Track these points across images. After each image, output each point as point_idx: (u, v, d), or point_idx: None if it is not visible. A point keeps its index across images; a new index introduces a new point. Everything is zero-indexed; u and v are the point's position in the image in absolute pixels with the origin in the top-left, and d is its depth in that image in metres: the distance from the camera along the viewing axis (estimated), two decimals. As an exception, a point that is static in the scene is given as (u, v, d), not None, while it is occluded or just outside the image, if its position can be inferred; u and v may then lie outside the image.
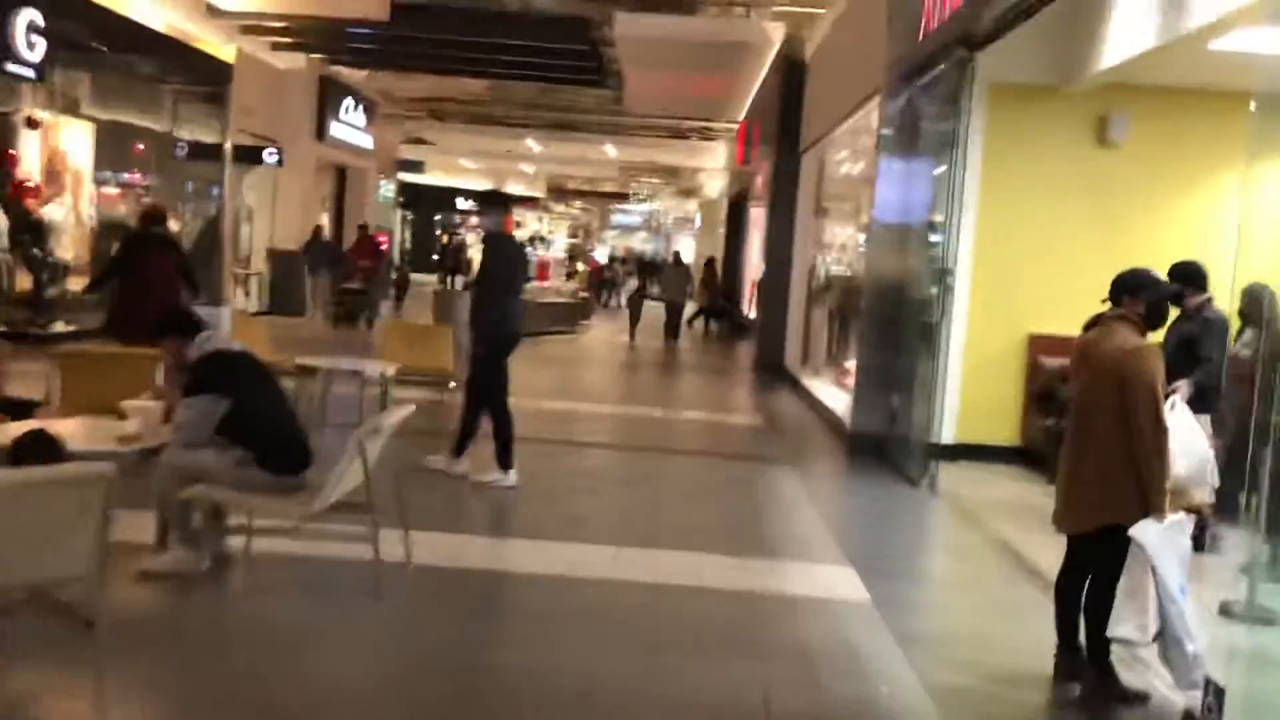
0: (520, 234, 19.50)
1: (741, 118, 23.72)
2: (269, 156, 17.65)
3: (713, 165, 38.38)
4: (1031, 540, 6.28)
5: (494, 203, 7.89)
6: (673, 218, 53.52)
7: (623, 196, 54.87)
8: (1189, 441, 4.55)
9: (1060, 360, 9.20)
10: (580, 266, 24.48)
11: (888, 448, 9.28)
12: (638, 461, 8.67)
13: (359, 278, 17.61)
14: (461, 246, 24.03)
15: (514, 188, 43.76)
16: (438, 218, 44.23)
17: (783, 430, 10.81)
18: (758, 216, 26.71)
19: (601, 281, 28.04)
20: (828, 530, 6.67)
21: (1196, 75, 8.56)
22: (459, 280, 23.46)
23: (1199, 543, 4.80)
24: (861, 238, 15.32)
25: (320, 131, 20.23)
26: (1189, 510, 4.41)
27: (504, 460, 7.17)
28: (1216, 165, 9.15)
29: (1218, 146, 9.07)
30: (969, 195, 8.74)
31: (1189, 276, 6.07)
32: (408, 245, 45.34)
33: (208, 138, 17.39)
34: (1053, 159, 9.41)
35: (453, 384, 9.67)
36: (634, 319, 19.75)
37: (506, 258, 7.45)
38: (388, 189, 38.51)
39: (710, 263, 24.49)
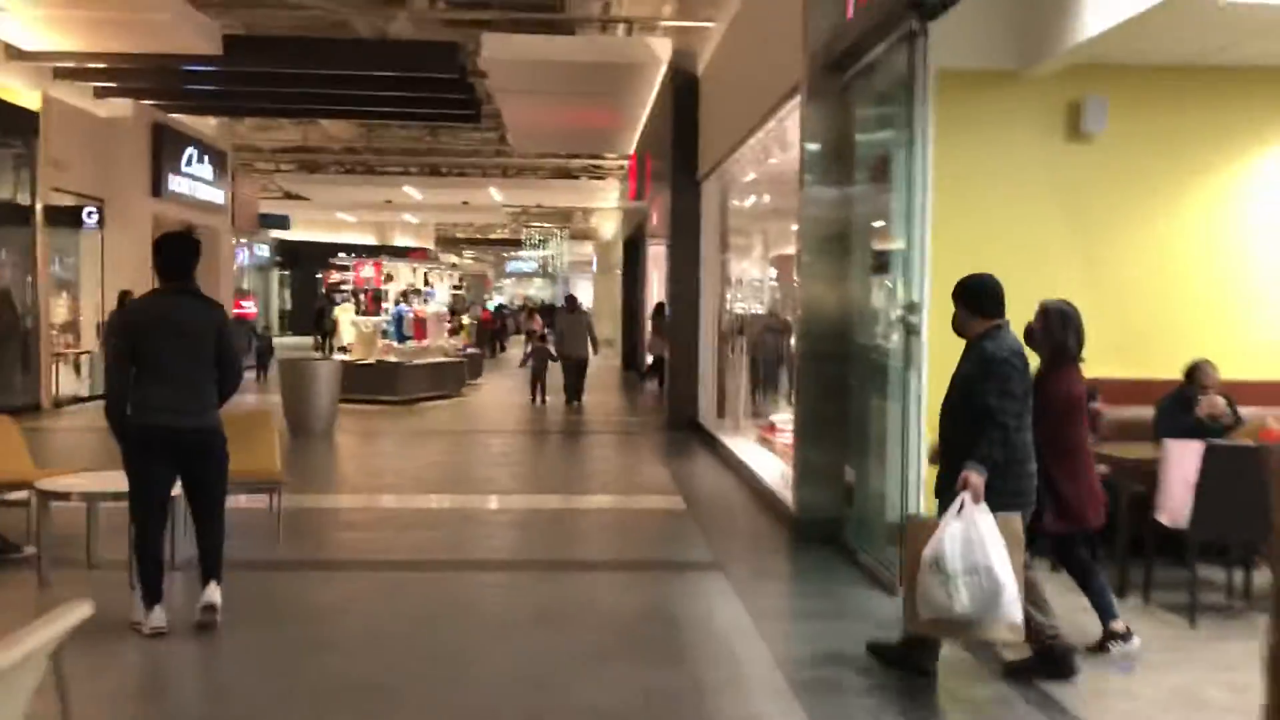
0: (392, 287, 17.09)
1: (632, 150, 21.88)
2: (88, 218, 15.04)
3: (605, 205, 36.50)
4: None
5: (164, 249, 5.45)
6: (569, 261, 51.47)
7: (516, 243, 52.80)
8: (969, 555, 4.23)
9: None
10: (466, 320, 22.01)
11: (846, 534, 7.23)
12: (524, 590, 6.41)
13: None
14: (325, 308, 21.34)
15: (400, 240, 41.28)
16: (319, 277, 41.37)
17: (709, 514, 8.68)
18: (657, 254, 24.86)
19: (495, 332, 25.45)
20: (788, 691, 4.54)
21: (1198, 44, 6.79)
22: (331, 345, 20.92)
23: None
24: (774, 272, 13.62)
25: (156, 187, 17.65)
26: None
27: (147, 592, 5.18)
28: (1221, 156, 7.41)
29: (1222, 133, 7.34)
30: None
31: (973, 294, 4.70)
32: (287, 307, 42.47)
33: (17, 198, 14.73)
34: (1016, 158, 7.54)
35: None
36: (536, 376, 16.69)
37: (128, 324, 5.38)
38: (261, 249, 35.91)
39: (660, 309, 21.95)
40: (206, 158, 19.66)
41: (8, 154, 14.58)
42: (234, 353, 5.50)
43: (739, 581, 6.37)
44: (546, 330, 20.73)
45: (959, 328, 4.73)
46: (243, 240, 25.57)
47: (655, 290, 24.33)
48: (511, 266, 59.33)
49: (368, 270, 17.15)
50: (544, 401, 16.49)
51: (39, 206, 14.63)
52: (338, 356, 16.94)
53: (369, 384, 16.20)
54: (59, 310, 17.03)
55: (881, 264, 7.01)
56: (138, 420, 5.12)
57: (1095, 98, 7.36)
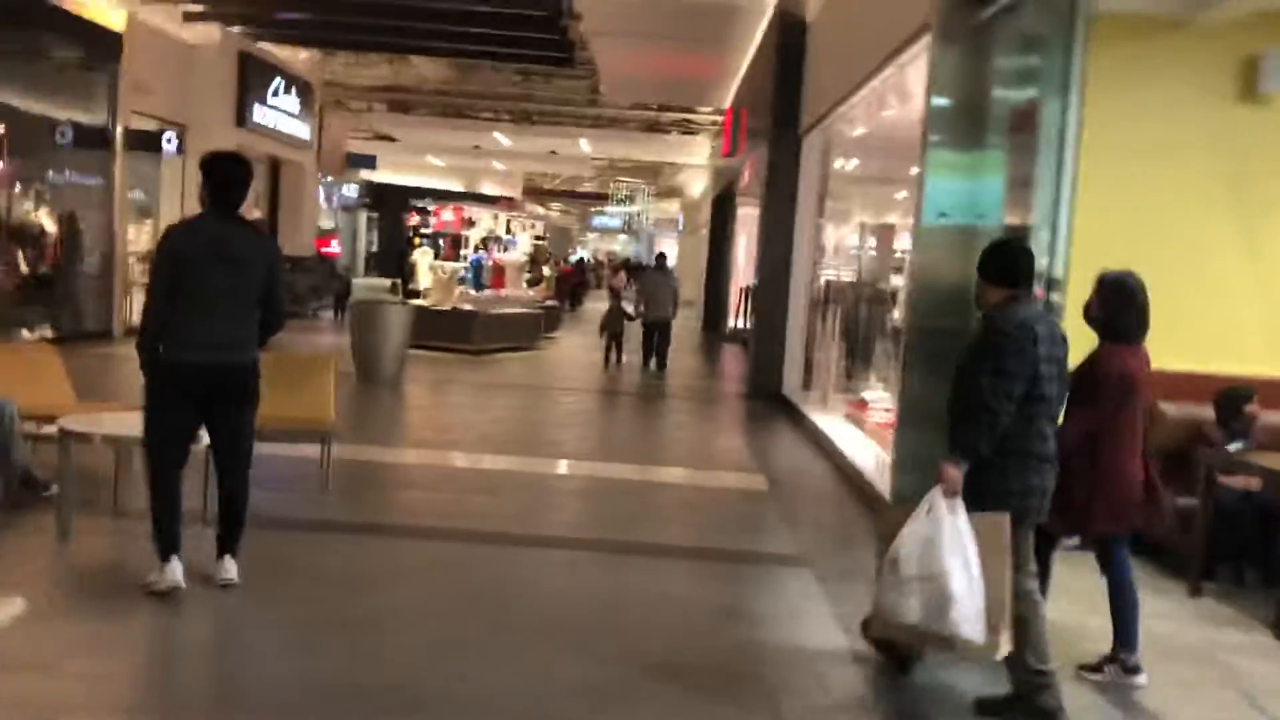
0: (473, 233, 16.49)
1: (728, 104, 20.93)
2: (167, 143, 14.66)
3: (695, 161, 35.51)
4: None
5: (214, 172, 4.75)
6: (654, 219, 50.59)
7: (602, 198, 52.07)
8: (926, 559, 3.76)
9: (1192, 407, 6.41)
10: (546, 271, 21.39)
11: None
12: (586, 574, 5.73)
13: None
14: (405, 251, 20.89)
15: (488, 188, 40.80)
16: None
17: (793, 498, 7.93)
18: (748, 216, 23.91)
19: (575, 286, 24.64)
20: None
21: None
22: (408, 289, 20.52)
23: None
24: (873, 240, 12.67)
25: (241, 117, 17.27)
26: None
27: (161, 542, 4.65)
28: None
29: None
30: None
31: (992, 259, 4.16)
32: (374, 249, 42.31)
33: (98, 121, 14.42)
34: (1175, 120, 6.58)
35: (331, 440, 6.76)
36: (612, 337, 15.46)
37: (175, 252, 4.68)
38: (349, 189, 35.62)
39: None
40: (294, 90, 19.24)
41: (90, 75, 14.24)
42: (281, 291, 4.87)
43: (827, 582, 5.62)
44: (627, 287, 20.03)
45: (977, 298, 4.18)
46: (328, 179, 25.22)
47: (742, 253, 23.47)
48: (596, 221, 58.65)
49: (448, 214, 16.57)
50: (620, 363, 15.52)
51: (119, 130, 14.29)
52: (415, 301, 16.44)
53: (443, 331, 15.68)
54: (138, 237, 16.81)
55: (1015, 235, 6.12)
56: (172, 356, 4.57)
57: (1278, 51, 6.35)
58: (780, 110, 13.03)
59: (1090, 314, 4.54)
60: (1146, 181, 6.48)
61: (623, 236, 63.11)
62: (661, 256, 16.33)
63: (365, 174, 36.97)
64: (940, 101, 6.74)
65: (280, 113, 18.66)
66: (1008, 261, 4.09)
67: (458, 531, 6.18)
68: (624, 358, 15.56)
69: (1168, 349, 5.90)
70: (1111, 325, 4.46)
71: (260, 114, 17.83)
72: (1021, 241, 4.19)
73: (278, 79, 18.41)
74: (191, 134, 16.30)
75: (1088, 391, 4.28)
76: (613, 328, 15.47)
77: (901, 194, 10.99)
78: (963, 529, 3.72)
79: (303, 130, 19.94)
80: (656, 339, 15.21)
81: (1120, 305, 4.45)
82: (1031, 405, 3.85)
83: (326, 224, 29.98)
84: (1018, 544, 3.84)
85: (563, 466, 8.37)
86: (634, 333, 15.55)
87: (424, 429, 10.15)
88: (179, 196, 16.38)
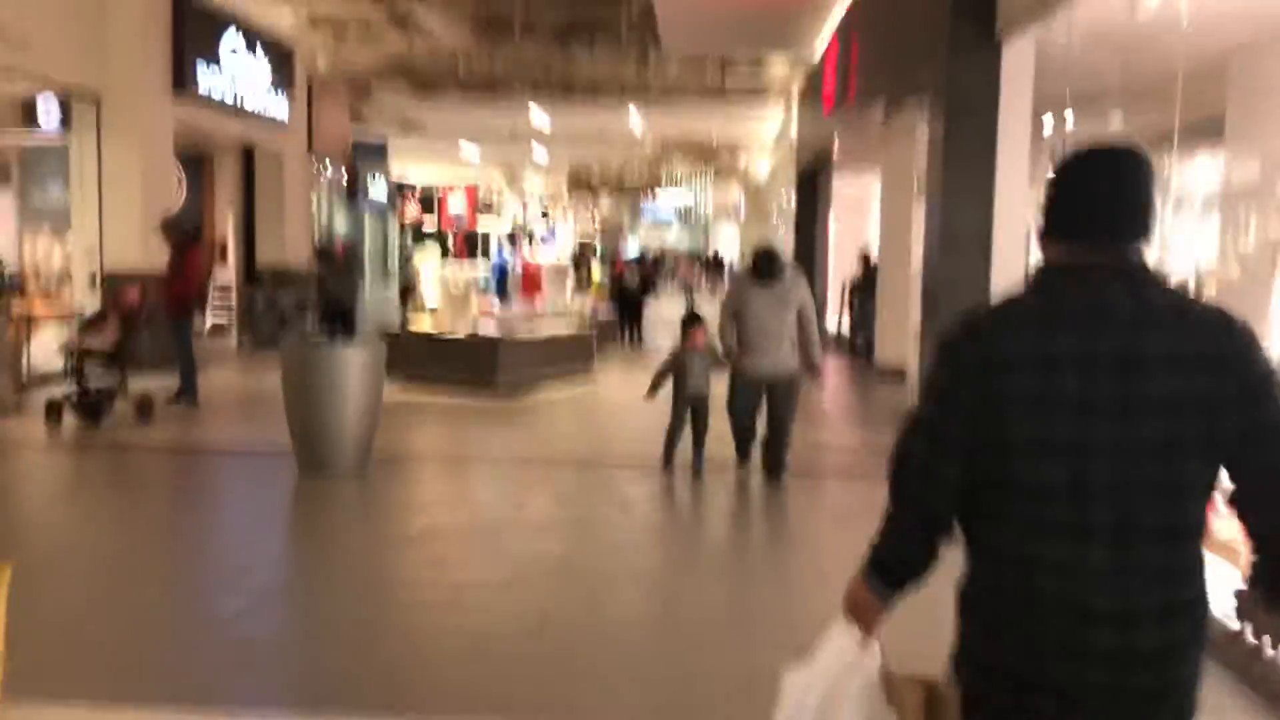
0: (493, 226, 11.42)
1: (823, 42, 15.88)
2: (45, 115, 9.91)
3: (762, 134, 30.30)
4: None
5: None
6: (713, 208, 45.39)
7: (653, 188, 47.00)
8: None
9: None
10: (596, 274, 16.31)
11: None
12: None
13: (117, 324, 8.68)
14: (406, 255, 15.84)
15: (530, 183, 35.87)
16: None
17: None
18: (849, 193, 18.78)
19: (639, 290, 17.29)
20: None
21: None
22: (409, 305, 15.52)
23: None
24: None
25: (180, 82, 12.49)
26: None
27: None
28: None
29: None
30: None
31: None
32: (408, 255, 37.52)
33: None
34: None
35: None
36: (689, 411, 7.38)
37: None
38: (377, 190, 30.78)
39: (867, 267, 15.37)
40: (260, 50, 14.42)
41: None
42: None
43: None
44: (698, 287, 14.80)
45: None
46: (337, 174, 20.51)
47: (832, 241, 18.36)
48: (646, 211, 53.54)
49: (458, 202, 11.67)
50: (699, 469, 7.31)
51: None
52: (416, 326, 11.57)
53: (456, 363, 10.85)
54: (41, 255, 12.22)
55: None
56: None
57: None
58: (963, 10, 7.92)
59: None
60: None
61: (675, 226, 58.02)
62: (766, 255, 6.99)
63: (396, 171, 32.44)
64: None
65: (242, 80, 13.85)
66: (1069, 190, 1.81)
67: None
68: (703, 451, 7.40)
69: None
70: None
71: (209, 77, 13.02)
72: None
73: (233, 30, 13.59)
74: (109, 103, 11.57)
75: None
76: (685, 389, 7.28)
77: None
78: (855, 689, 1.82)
79: (278, 108, 15.13)
80: (770, 414, 7.12)
81: None
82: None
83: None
84: None
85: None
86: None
87: (350, 620, 5.10)
88: (94, 196, 11.66)
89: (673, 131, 30.45)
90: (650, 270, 17.06)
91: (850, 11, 13.41)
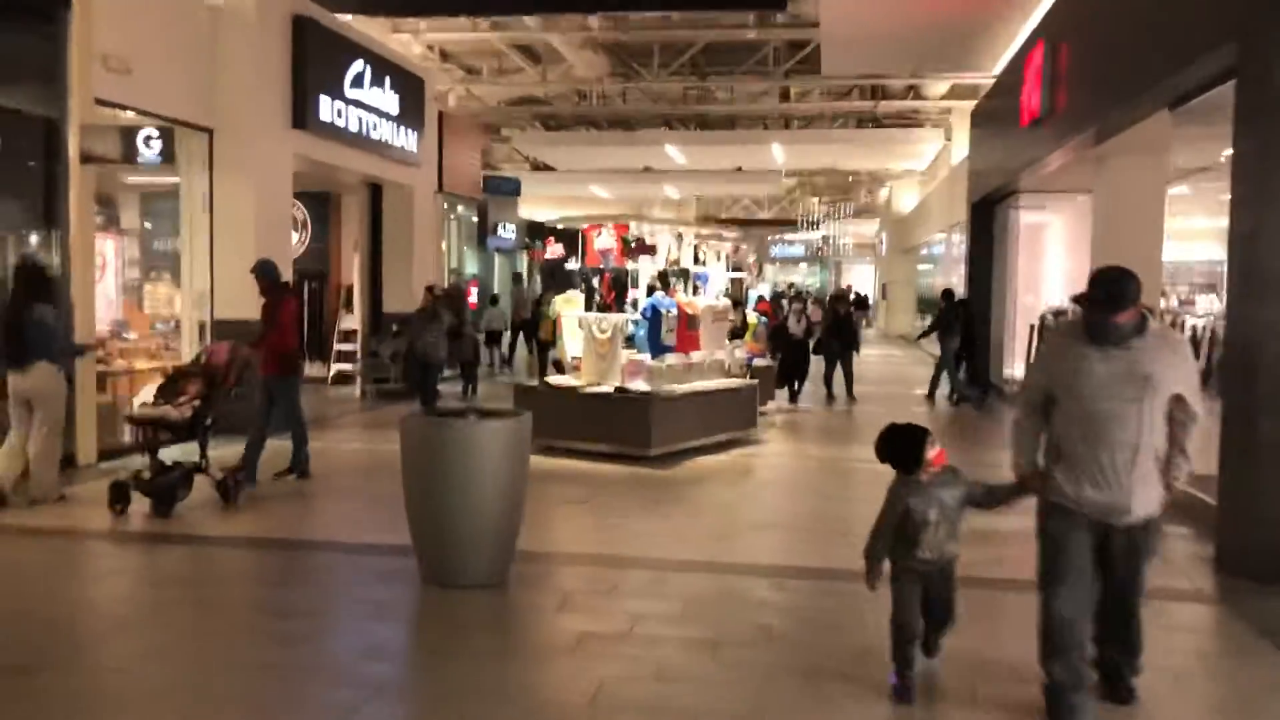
0: (642, 267, 9.74)
1: (1006, 56, 13.88)
2: (146, 146, 8.72)
3: (913, 163, 28.18)
4: None
5: None
6: (852, 243, 43.15)
7: (786, 224, 45.08)
8: None
9: None
10: (752, 318, 14.47)
11: None
12: None
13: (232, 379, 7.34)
14: (539, 298, 13.95)
15: (659, 219, 34.36)
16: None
17: None
18: (1040, 225, 16.64)
19: (784, 337, 14.13)
20: None
21: None
22: (547, 357, 13.87)
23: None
24: None
25: (300, 115, 11.31)
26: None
27: None
28: None
29: None
30: None
31: None
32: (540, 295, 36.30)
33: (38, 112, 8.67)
34: None
35: None
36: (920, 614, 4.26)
37: None
38: (506, 230, 29.67)
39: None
40: (389, 82, 13.23)
41: (20, 38, 8.48)
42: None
43: None
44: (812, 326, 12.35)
45: None
46: (463, 211, 19.37)
47: (1020, 278, 16.16)
48: (775, 250, 51.56)
49: (605, 238, 10.09)
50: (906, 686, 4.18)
51: (72, 128, 8.42)
52: (558, 379, 9.98)
53: (601, 426, 9.21)
54: (156, 303, 11.13)
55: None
56: None
57: None
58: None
59: None
60: None
61: (803, 265, 55.87)
62: (1115, 284, 3.71)
63: (524, 212, 31.37)
64: None
65: (368, 111, 12.65)
66: None
67: None
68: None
69: None
70: None
71: (331, 112, 11.84)
72: None
73: (359, 62, 12.43)
74: (221, 138, 10.42)
75: None
76: (914, 552, 4.09)
77: None
78: None
79: (408, 139, 13.91)
80: (1107, 585, 3.96)
81: None
82: None
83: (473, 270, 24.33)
84: None
85: None
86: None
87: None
88: (205, 238, 10.49)
89: (818, 162, 28.57)
90: (836, 313, 14.48)
91: (1052, 15, 11.43)
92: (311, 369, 15.56)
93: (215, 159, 10.47)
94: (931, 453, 4.05)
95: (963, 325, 14.72)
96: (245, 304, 9.75)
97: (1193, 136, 8.15)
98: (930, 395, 14.88)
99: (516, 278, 21.55)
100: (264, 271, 8.25)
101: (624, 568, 5.96)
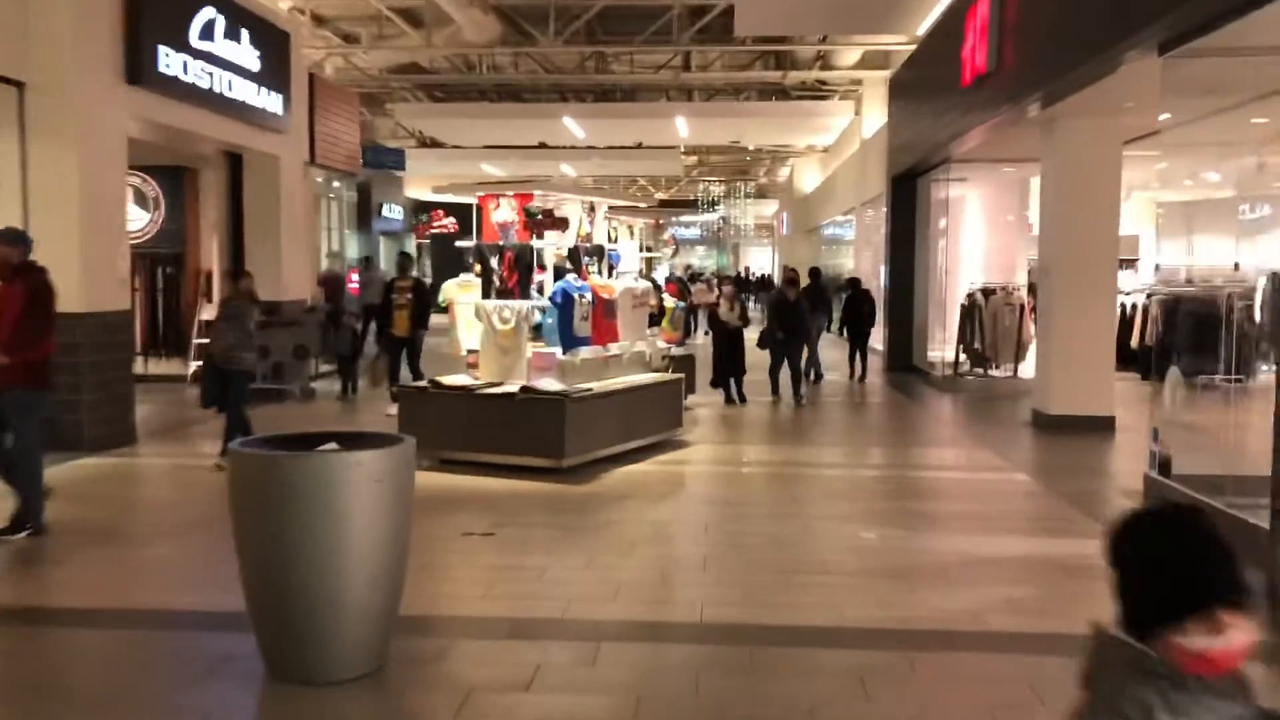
0: (548, 244, 8.20)
1: (921, 29, 12.78)
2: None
3: (819, 139, 27.18)
4: None
5: None
6: (753, 224, 42.22)
7: (684, 205, 43.96)
8: None
9: None
10: (669, 302, 13.05)
11: None
12: None
13: None
14: (418, 283, 11.92)
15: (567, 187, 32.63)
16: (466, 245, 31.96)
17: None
18: (973, 199, 15.67)
19: (716, 325, 12.60)
20: None
21: None
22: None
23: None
24: None
25: (135, 68, 9.43)
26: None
27: None
28: None
29: None
30: None
31: None
32: (428, 281, 34.09)
33: None
34: None
35: None
36: None
37: None
38: (392, 210, 27.70)
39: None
40: (246, 34, 11.38)
41: None
42: None
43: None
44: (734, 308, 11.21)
45: None
46: (343, 185, 17.50)
47: (945, 254, 15.18)
48: (673, 232, 50.45)
49: (504, 210, 8.59)
50: None
51: None
52: (454, 378, 8.41)
53: (507, 432, 7.74)
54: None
55: None
56: None
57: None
58: None
59: None
60: None
61: (700, 249, 54.90)
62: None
63: (412, 190, 29.37)
64: None
65: (221, 67, 10.80)
66: None
67: None
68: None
69: None
70: None
71: (176, 66, 9.97)
72: None
73: (210, 9, 10.56)
74: (36, 93, 8.53)
75: None
76: None
77: None
78: None
79: (270, 101, 12.07)
80: None
81: None
82: None
83: (363, 253, 22.28)
84: None
85: None
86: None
87: None
88: (18, 213, 8.56)
89: (724, 135, 27.26)
90: (784, 299, 12.47)
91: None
92: (169, 366, 13.66)
93: (28, 118, 8.57)
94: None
95: (847, 305, 14.71)
96: (73, 293, 7.91)
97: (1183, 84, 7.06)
98: (853, 375, 14.34)
99: (368, 261, 19.48)
100: (11, 240, 6.24)
101: (544, 637, 4.50)
